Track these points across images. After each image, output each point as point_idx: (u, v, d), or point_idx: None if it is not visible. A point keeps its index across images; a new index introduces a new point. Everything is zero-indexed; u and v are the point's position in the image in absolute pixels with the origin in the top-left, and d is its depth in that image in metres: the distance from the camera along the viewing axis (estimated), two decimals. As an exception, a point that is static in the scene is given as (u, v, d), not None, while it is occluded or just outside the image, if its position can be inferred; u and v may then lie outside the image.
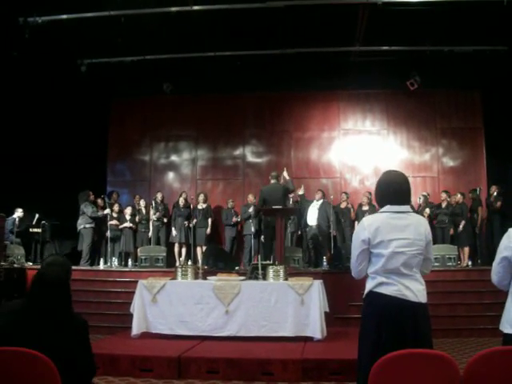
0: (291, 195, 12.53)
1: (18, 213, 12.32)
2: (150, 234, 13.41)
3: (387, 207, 3.56)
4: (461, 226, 12.42)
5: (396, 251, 3.41)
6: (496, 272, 3.62)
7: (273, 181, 11.01)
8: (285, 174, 11.26)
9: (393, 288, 3.41)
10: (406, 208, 3.56)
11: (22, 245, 12.19)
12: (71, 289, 3.20)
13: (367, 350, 3.39)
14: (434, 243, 12.22)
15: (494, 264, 3.62)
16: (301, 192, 12.66)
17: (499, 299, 3.92)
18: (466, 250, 12.35)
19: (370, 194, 12.87)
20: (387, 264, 3.42)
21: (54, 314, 2.98)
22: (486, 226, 13.04)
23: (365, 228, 3.50)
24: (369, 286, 3.53)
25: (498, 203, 12.55)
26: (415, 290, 3.44)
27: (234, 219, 13.58)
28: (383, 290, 3.43)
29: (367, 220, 3.56)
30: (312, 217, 12.62)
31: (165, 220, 13.70)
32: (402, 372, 2.84)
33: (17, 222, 12.24)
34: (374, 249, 3.46)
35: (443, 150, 14.94)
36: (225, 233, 13.84)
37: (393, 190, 3.60)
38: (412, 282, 3.46)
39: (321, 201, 12.80)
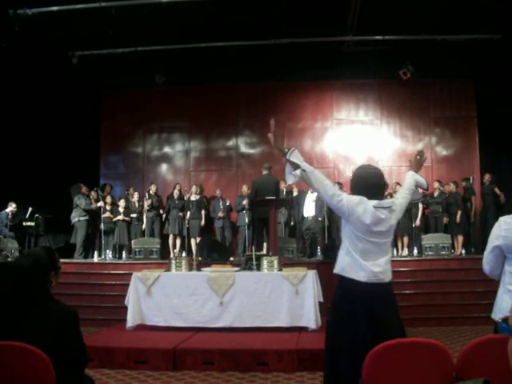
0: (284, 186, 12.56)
1: (11, 207, 12.27)
2: (144, 226, 13.39)
3: None
4: (458, 217, 12.45)
5: None
6: (488, 261, 3.64)
7: (265, 172, 11.00)
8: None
9: None
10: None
11: (16, 238, 12.18)
12: (58, 281, 3.20)
13: None
14: (427, 232, 12.33)
15: (486, 253, 3.64)
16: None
17: (492, 288, 3.93)
18: (460, 238, 12.40)
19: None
20: None
21: (25, 305, 2.97)
22: (479, 215, 13.06)
23: None
24: None
25: (496, 190, 12.58)
26: None
27: (220, 214, 13.55)
28: None
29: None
30: (309, 208, 12.61)
31: (161, 211, 13.70)
32: (395, 361, 2.85)
33: (10, 215, 12.20)
34: None
35: (436, 139, 14.96)
36: (214, 224, 13.82)
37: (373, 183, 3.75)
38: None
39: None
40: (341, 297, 3.70)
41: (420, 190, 4.18)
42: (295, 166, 3.90)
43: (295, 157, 3.96)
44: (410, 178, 4.05)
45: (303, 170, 3.84)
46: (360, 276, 3.58)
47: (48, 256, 3.18)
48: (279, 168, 13.83)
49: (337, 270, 3.71)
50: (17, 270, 3.07)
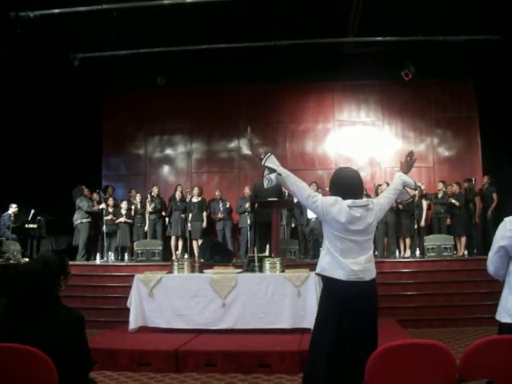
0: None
1: (13, 208, 12.27)
2: (146, 228, 13.39)
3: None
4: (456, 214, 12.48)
5: None
6: (493, 262, 3.61)
7: None
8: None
9: None
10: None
11: (18, 241, 12.17)
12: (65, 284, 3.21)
13: None
14: (430, 233, 12.31)
15: (491, 254, 3.61)
16: None
17: (495, 288, 3.93)
18: (463, 239, 12.38)
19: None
20: None
21: (35, 309, 2.98)
22: (480, 217, 13.04)
23: None
24: None
25: (494, 195, 12.57)
26: None
27: (220, 215, 13.57)
28: None
29: None
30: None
31: (163, 213, 13.70)
32: (398, 362, 2.85)
33: (12, 217, 12.20)
34: None
35: (438, 140, 14.96)
36: (216, 226, 13.84)
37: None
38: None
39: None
40: (325, 295, 3.85)
41: (410, 191, 4.23)
42: (271, 171, 4.01)
43: (271, 162, 4.09)
44: (398, 178, 4.17)
45: (279, 174, 3.96)
46: (340, 274, 3.70)
47: (58, 260, 3.21)
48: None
49: (317, 269, 3.88)
50: (28, 273, 3.08)
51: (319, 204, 3.79)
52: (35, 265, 3.14)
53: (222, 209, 13.65)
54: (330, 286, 3.79)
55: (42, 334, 2.92)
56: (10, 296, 3.05)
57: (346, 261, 3.70)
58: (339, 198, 3.78)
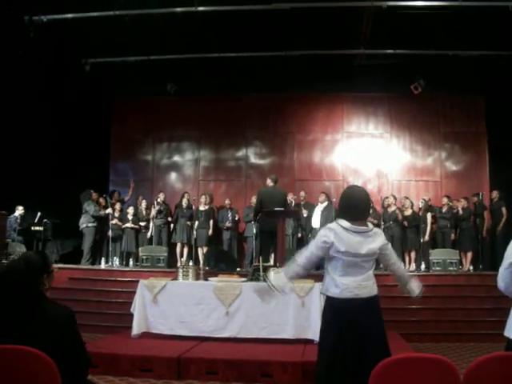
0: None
1: (19, 210, 12.31)
2: (152, 233, 13.40)
3: None
4: (466, 229, 12.43)
5: None
6: (503, 278, 3.54)
7: (271, 184, 10.95)
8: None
9: None
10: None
11: (24, 243, 12.20)
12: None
13: None
14: (435, 247, 12.28)
15: (501, 269, 3.55)
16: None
17: (500, 304, 3.94)
18: (469, 254, 12.33)
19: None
20: None
21: (22, 308, 3.00)
22: (488, 232, 12.98)
23: None
24: None
25: (504, 210, 12.50)
26: None
27: (228, 224, 13.58)
28: None
29: None
30: (317, 219, 12.62)
31: (169, 219, 13.71)
32: (402, 376, 2.83)
33: (18, 219, 12.25)
34: None
35: (446, 154, 14.94)
36: (223, 234, 13.85)
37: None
38: None
39: (325, 203, 12.84)
40: (324, 310, 4.17)
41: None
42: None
43: (279, 280, 4.45)
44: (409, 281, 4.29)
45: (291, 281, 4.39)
46: (335, 293, 3.95)
47: (40, 259, 3.22)
48: (290, 180, 13.86)
49: (321, 289, 4.19)
50: (9, 273, 3.11)
51: (313, 251, 4.11)
52: (17, 264, 3.16)
53: (230, 218, 13.65)
54: (328, 302, 4.06)
55: (34, 331, 2.94)
56: None
57: (343, 279, 3.92)
58: (330, 228, 4.00)
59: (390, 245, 4.13)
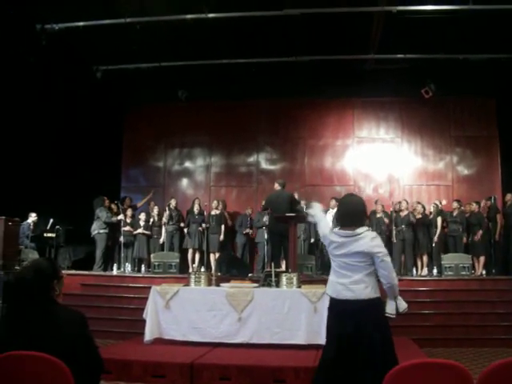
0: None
1: (32, 217, 12.37)
2: (164, 239, 13.44)
3: None
4: (478, 235, 12.32)
5: None
6: None
7: (279, 188, 10.97)
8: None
9: None
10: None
11: (37, 249, 12.26)
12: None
13: None
14: (447, 252, 12.22)
15: None
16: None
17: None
18: (482, 259, 12.26)
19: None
20: None
21: (35, 314, 3.02)
22: (502, 236, 12.89)
23: None
24: None
25: None
26: None
27: (247, 230, 13.61)
28: None
29: None
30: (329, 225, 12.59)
31: (181, 225, 13.73)
32: (414, 382, 2.83)
33: (31, 226, 12.32)
34: None
35: (457, 158, 14.89)
36: (236, 238, 13.88)
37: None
38: None
39: (336, 208, 12.81)
40: (327, 310, 4.46)
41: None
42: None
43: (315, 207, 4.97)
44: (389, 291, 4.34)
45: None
46: (331, 292, 4.33)
47: (49, 265, 3.26)
48: (301, 185, 13.84)
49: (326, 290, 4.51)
50: (21, 280, 3.15)
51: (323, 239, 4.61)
52: (27, 272, 3.19)
53: (249, 224, 13.71)
54: (330, 302, 4.41)
55: (46, 337, 2.96)
56: (8, 304, 3.12)
57: (338, 280, 4.28)
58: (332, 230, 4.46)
59: (381, 254, 4.20)
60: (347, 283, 4.19)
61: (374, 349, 4.00)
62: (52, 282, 3.21)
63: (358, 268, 4.20)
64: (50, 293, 3.17)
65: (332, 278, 4.36)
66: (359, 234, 4.22)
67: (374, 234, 4.31)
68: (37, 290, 3.09)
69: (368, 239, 4.20)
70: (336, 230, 4.37)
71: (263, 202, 13.39)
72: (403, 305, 4.26)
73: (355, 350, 4.01)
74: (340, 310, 4.22)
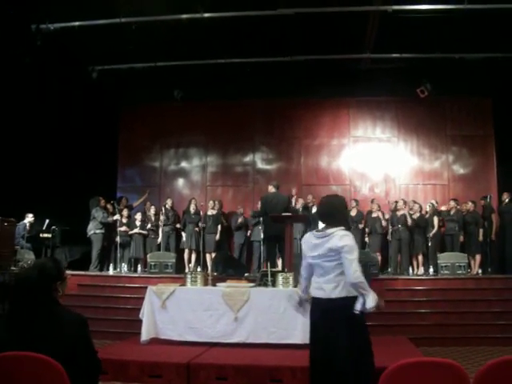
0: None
1: (29, 218, 12.36)
2: (160, 240, 13.43)
3: None
4: (480, 235, 12.37)
5: None
6: None
7: (273, 190, 10.98)
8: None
9: None
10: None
11: (33, 250, 12.24)
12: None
13: None
14: (443, 251, 12.25)
15: None
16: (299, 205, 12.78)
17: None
18: (477, 257, 12.29)
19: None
20: None
21: (36, 314, 3.01)
22: (497, 235, 12.92)
23: None
24: None
25: None
26: None
27: (240, 220, 13.59)
28: None
29: None
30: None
31: (177, 225, 13.73)
32: (411, 380, 2.83)
33: (27, 227, 12.30)
34: None
35: (453, 157, 14.91)
36: (234, 238, 13.87)
37: None
38: None
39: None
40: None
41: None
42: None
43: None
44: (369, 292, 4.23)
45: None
46: (311, 290, 4.55)
47: (53, 266, 3.26)
48: (297, 185, 13.83)
49: None
50: (24, 280, 3.14)
51: (303, 261, 4.67)
52: (30, 272, 3.19)
53: (240, 219, 13.74)
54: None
55: (47, 337, 2.95)
56: (11, 304, 3.11)
57: (313, 279, 4.50)
58: (303, 238, 4.66)
59: (344, 249, 4.21)
60: (321, 282, 4.35)
61: (338, 350, 4.15)
62: (56, 282, 3.22)
63: (329, 268, 4.30)
64: (53, 294, 3.17)
65: (313, 276, 4.53)
66: (330, 234, 4.32)
67: (346, 233, 4.33)
68: (40, 290, 3.08)
69: (337, 238, 4.28)
70: (314, 231, 4.52)
71: (259, 203, 13.37)
72: (370, 303, 4.13)
73: (324, 349, 4.22)
74: (314, 308, 4.45)
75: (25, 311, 3.03)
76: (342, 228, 4.35)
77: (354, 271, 4.14)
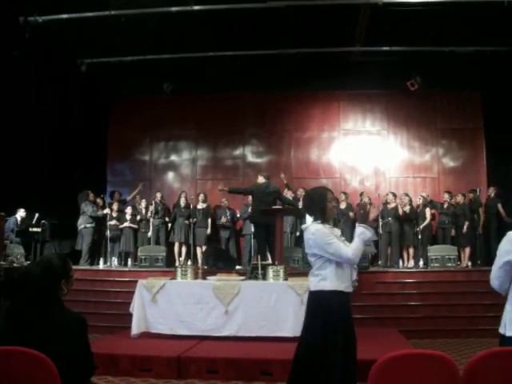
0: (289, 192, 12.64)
1: (20, 213, 12.29)
2: (150, 233, 13.40)
3: None
4: (465, 228, 12.40)
5: None
6: (497, 276, 3.54)
7: (264, 180, 10.98)
8: (284, 180, 11.24)
9: None
10: None
11: (22, 244, 12.18)
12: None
13: None
14: (435, 243, 12.29)
15: (495, 268, 3.55)
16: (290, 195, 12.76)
17: (499, 300, 3.90)
18: (467, 250, 12.34)
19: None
20: None
21: (36, 311, 2.98)
22: (484, 228, 12.98)
23: None
24: None
25: (499, 206, 12.55)
26: None
27: (223, 219, 13.53)
28: None
29: None
30: (309, 218, 12.67)
31: (167, 219, 13.70)
32: (401, 372, 2.84)
33: (18, 221, 12.23)
34: None
35: (443, 150, 14.96)
36: (220, 233, 13.83)
37: None
38: None
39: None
40: None
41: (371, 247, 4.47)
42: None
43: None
44: (357, 238, 4.21)
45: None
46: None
47: (61, 264, 3.17)
48: (287, 178, 13.82)
49: None
50: (26, 276, 3.09)
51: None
52: (35, 268, 3.13)
53: (228, 216, 13.62)
54: None
55: (46, 335, 2.92)
56: (12, 299, 3.07)
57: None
58: None
59: (313, 242, 4.24)
60: (309, 275, 4.38)
61: (301, 342, 4.35)
62: (61, 281, 3.13)
63: (313, 262, 4.32)
64: (57, 292, 3.10)
65: None
66: (306, 228, 4.38)
67: (319, 226, 4.27)
68: (42, 288, 3.03)
69: (309, 232, 4.29)
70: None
71: (249, 197, 13.30)
72: (371, 236, 4.25)
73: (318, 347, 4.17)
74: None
75: (26, 307, 2.99)
76: (319, 221, 4.32)
77: (344, 257, 4.12)
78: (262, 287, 7.98)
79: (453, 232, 12.69)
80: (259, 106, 15.33)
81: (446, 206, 12.85)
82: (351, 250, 4.11)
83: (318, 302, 4.21)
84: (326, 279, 4.18)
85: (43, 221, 12.74)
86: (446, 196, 12.96)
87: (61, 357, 2.84)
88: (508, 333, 3.45)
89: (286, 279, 8.14)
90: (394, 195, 12.96)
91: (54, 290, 3.08)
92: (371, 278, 10.60)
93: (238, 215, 13.87)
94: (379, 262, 12.61)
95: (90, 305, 10.19)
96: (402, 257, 12.56)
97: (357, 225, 4.30)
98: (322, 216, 4.32)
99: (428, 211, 12.68)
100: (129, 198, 14.45)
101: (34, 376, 2.79)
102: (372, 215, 4.36)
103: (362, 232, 4.18)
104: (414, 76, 13.32)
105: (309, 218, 4.58)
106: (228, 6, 10.70)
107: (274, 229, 9.87)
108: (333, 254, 4.13)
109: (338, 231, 4.46)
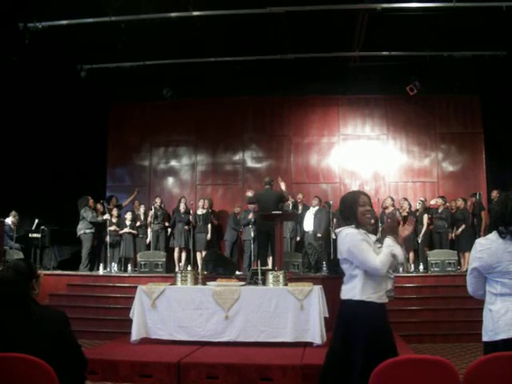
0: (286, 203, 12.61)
1: (11, 217, 12.14)
2: (149, 239, 13.39)
3: None
4: (459, 230, 12.39)
5: None
6: (469, 283, 3.70)
7: (266, 186, 11.03)
8: (282, 185, 11.25)
9: None
10: None
11: (22, 250, 12.16)
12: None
13: None
14: (432, 248, 12.28)
15: (467, 275, 3.70)
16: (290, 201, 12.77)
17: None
18: (467, 255, 12.31)
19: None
20: None
21: (15, 313, 3.01)
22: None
23: None
24: None
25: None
26: None
27: (251, 216, 13.37)
28: None
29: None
30: (308, 223, 12.74)
31: (166, 224, 13.69)
32: (401, 378, 2.83)
33: (12, 226, 12.12)
34: None
35: (443, 154, 14.96)
36: (225, 236, 13.80)
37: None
38: None
39: (317, 207, 12.92)
40: None
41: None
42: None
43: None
44: (385, 249, 3.99)
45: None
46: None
47: (26, 265, 3.33)
48: (287, 183, 13.82)
49: None
50: (2, 281, 3.14)
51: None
52: (6, 272, 3.24)
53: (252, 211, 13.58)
54: None
55: (28, 337, 2.95)
56: None
57: None
58: None
59: (346, 248, 3.98)
60: (342, 283, 4.10)
61: (331, 350, 4.03)
62: (31, 281, 3.28)
63: (345, 269, 4.06)
64: (30, 292, 3.22)
65: None
66: (339, 233, 4.11)
67: (351, 230, 4.00)
68: (18, 289, 3.09)
69: (340, 236, 4.07)
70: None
71: (248, 193, 13.34)
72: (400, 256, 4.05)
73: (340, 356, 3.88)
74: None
75: (5, 311, 3.02)
76: (352, 226, 4.03)
77: (365, 258, 3.89)
78: (261, 293, 7.96)
79: (450, 236, 12.68)
80: (259, 111, 15.35)
81: (440, 210, 12.83)
82: (379, 259, 3.88)
83: (343, 312, 4.00)
84: (355, 288, 3.93)
85: (43, 226, 12.75)
86: (441, 201, 12.94)
87: (46, 353, 2.86)
88: (483, 338, 3.50)
89: (285, 284, 8.12)
90: (393, 200, 12.96)
91: (28, 291, 3.20)
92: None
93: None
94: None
95: (89, 310, 10.18)
96: (401, 261, 12.51)
97: (385, 235, 4.07)
98: (354, 220, 4.07)
99: (426, 216, 12.68)
100: (124, 203, 14.42)
101: (31, 381, 2.78)
102: (406, 232, 4.12)
103: (390, 244, 3.98)
104: (413, 81, 13.34)
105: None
106: (227, 11, 10.73)
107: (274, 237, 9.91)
108: (360, 262, 3.90)
109: (372, 237, 4.12)
